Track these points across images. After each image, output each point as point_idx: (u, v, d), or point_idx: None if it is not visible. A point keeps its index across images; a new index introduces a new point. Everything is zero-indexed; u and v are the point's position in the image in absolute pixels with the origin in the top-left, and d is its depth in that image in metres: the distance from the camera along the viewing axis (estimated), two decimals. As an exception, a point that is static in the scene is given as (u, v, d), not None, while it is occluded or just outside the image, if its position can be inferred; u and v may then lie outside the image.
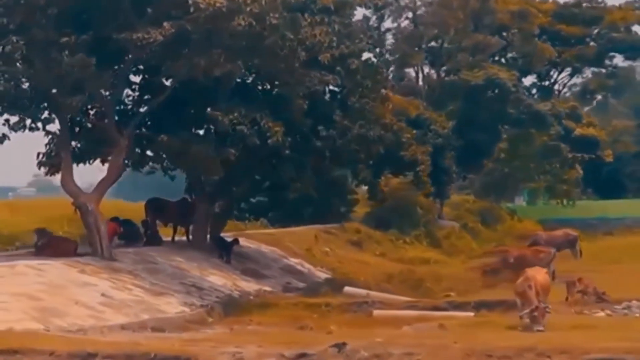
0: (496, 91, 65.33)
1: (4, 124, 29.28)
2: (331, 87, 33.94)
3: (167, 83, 31.06)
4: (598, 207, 77.80)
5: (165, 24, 27.10)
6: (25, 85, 27.88)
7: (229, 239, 33.71)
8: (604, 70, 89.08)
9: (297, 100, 30.91)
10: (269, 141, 30.51)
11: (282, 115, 31.40)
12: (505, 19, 70.25)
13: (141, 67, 31.15)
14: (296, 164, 32.88)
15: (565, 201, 75.55)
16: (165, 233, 35.35)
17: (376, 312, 25.56)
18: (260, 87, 33.57)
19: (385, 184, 48.92)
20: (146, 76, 31.38)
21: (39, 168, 32.07)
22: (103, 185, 29.74)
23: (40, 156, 31.59)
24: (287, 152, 31.56)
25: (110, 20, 28.21)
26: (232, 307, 26.79)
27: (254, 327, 23.85)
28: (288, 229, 43.73)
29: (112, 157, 29.60)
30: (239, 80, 32.18)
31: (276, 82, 31.94)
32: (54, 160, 31.29)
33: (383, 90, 35.58)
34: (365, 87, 33.35)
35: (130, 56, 29.06)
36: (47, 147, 31.55)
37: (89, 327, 21.39)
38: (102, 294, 24.27)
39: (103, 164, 31.59)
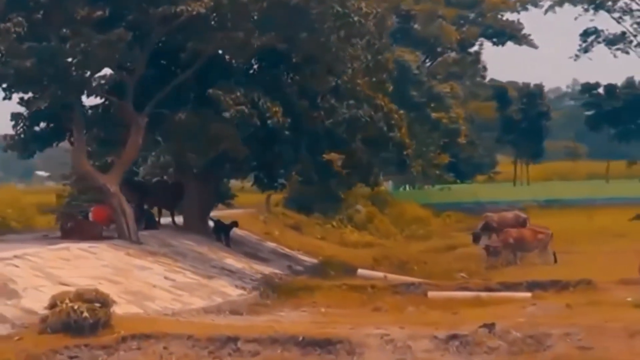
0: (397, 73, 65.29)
1: (19, 103, 28.09)
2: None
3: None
4: (470, 191, 79.56)
5: None
6: (45, 63, 26.33)
7: (227, 222, 32.96)
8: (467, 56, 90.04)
9: (326, 77, 30.43)
10: (269, 122, 29.81)
11: (275, 95, 30.73)
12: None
13: (162, 43, 29.95)
14: (293, 145, 32.26)
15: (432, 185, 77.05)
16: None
17: (430, 294, 25.27)
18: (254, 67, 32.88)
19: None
20: (169, 53, 30.18)
21: (5, 151, 30.92)
22: (121, 166, 28.73)
23: (8, 139, 30.26)
24: (286, 132, 30.86)
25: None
26: (276, 290, 26.12)
27: (326, 310, 23.25)
28: (221, 212, 42.85)
29: (130, 137, 28.49)
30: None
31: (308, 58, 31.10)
32: (22, 143, 30.10)
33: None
34: (366, 67, 32.99)
35: (155, 32, 28.04)
36: (15, 129, 30.21)
37: (180, 310, 20.75)
38: (166, 277, 23.49)
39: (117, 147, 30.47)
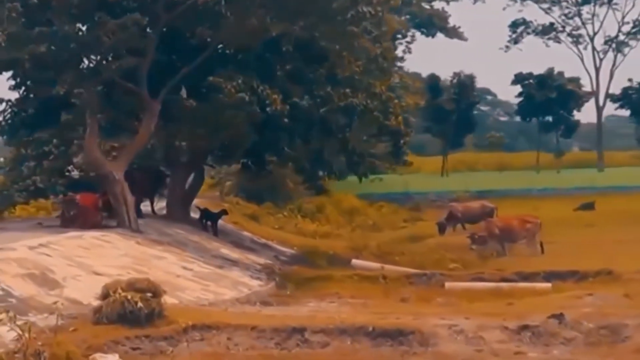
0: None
1: (24, 91, 27.30)
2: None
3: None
4: (400, 181, 78.96)
5: None
6: (59, 48, 25.36)
7: (216, 211, 31.87)
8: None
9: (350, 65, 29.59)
10: (268, 109, 29.01)
11: (271, 82, 30.09)
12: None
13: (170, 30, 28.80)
14: (289, 132, 31.32)
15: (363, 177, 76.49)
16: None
17: (448, 284, 24.62)
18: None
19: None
20: (177, 40, 29.04)
21: None
22: (130, 153, 27.76)
23: None
24: (285, 120, 29.94)
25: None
26: (291, 281, 25.16)
27: (354, 301, 22.32)
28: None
29: (143, 123, 27.51)
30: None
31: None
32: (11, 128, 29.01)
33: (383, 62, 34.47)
34: (370, 59, 32.27)
35: (163, 17, 27.09)
36: (3, 114, 29.23)
37: (215, 300, 19.94)
38: (184, 267, 22.51)
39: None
